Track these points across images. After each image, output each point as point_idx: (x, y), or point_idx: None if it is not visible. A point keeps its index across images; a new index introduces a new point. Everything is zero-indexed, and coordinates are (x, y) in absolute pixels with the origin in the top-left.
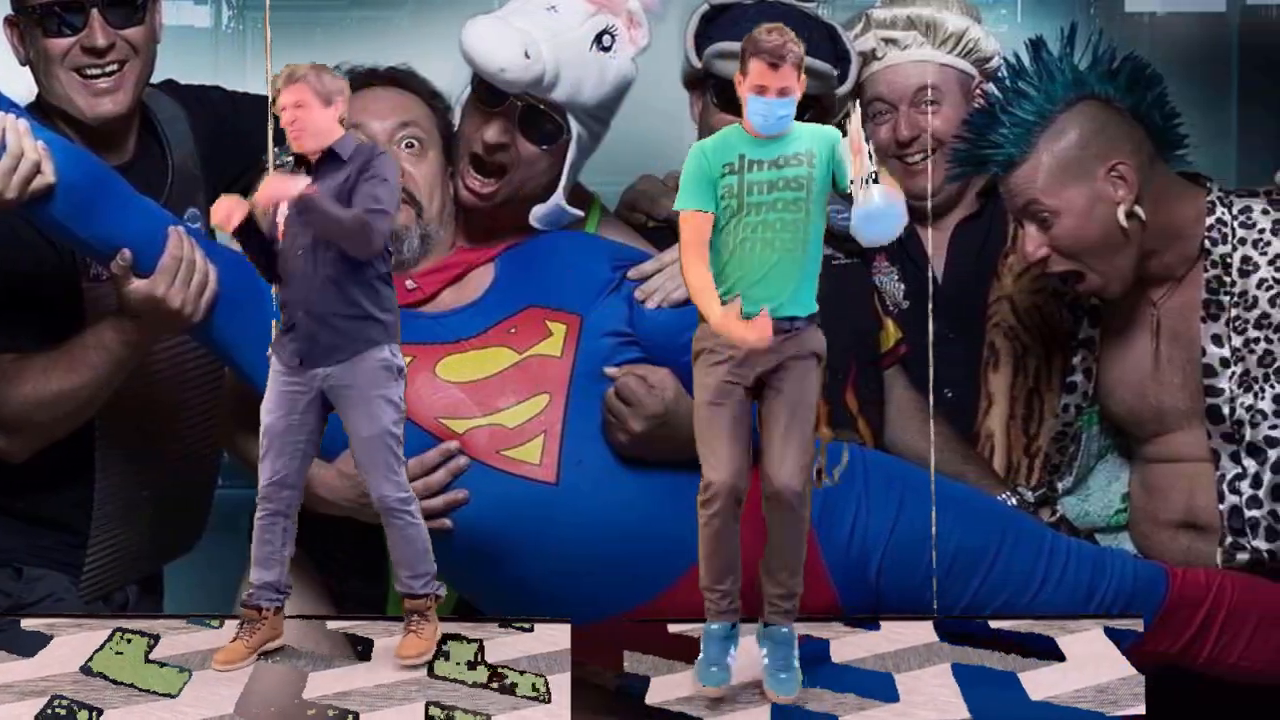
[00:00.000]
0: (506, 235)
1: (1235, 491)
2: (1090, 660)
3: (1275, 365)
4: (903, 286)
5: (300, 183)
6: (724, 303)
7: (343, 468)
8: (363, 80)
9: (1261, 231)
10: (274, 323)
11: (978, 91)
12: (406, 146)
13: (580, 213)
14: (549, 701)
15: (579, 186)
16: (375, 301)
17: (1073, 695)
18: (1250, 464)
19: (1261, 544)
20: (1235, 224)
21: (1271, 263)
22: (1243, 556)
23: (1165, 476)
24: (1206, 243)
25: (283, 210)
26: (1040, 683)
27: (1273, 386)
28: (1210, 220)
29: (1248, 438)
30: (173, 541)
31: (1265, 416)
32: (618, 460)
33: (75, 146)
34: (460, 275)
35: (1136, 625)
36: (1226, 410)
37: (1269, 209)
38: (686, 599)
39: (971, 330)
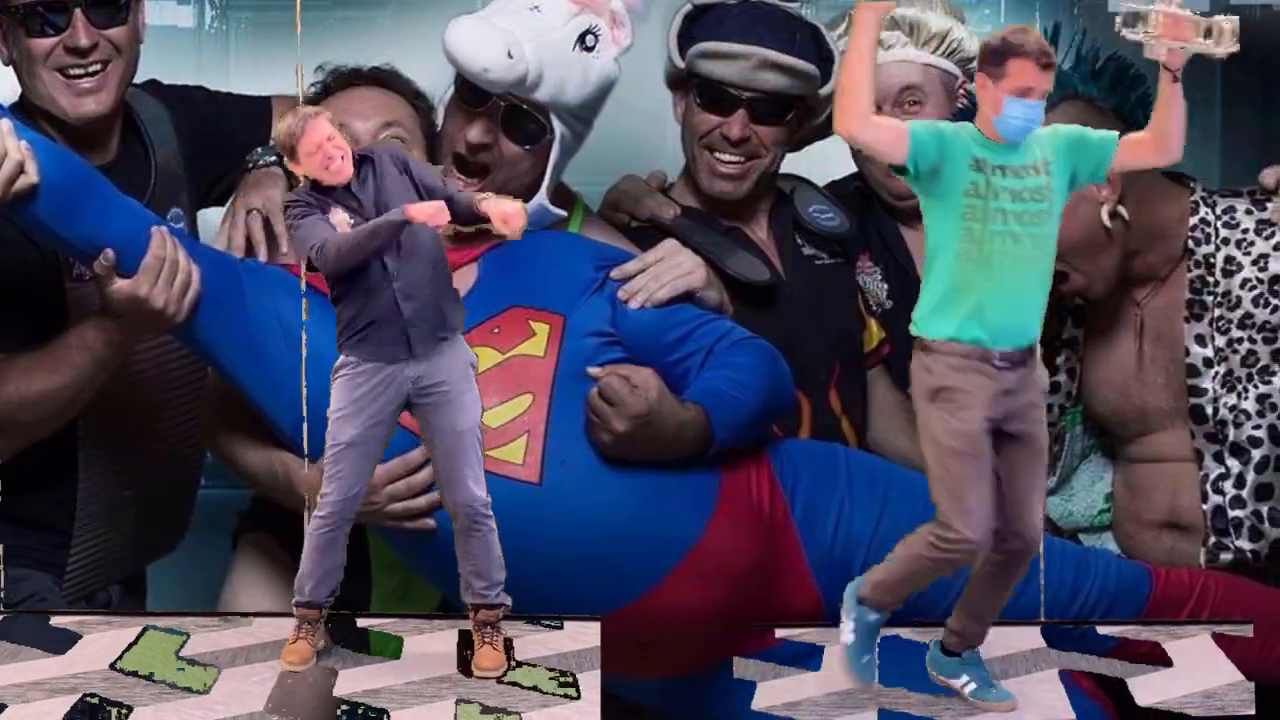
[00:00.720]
0: (490, 235)
1: (1219, 491)
2: (1198, 667)
3: (1258, 365)
4: (886, 286)
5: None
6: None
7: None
8: (346, 80)
9: (1245, 232)
10: (352, 340)
11: (961, 91)
12: None
13: (563, 213)
14: (579, 699)
15: (562, 186)
16: (460, 312)
17: (1180, 700)
18: (1234, 464)
19: (1245, 544)
20: (1219, 224)
21: (1255, 263)
22: (1226, 556)
23: (1149, 476)
24: (1190, 243)
25: (344, 220)
26: (1148, 688)
27: (1256, 386)
28: (1194, 220)
29: (1231, 438)
30: (156, 541)
31: (1249, 416)
32: (601, 460)
33: (58, 147)
34: None
35: (1246, 631)
36: (1210, 410)
37: (1252, 209)
38: (671, 599)
39: None
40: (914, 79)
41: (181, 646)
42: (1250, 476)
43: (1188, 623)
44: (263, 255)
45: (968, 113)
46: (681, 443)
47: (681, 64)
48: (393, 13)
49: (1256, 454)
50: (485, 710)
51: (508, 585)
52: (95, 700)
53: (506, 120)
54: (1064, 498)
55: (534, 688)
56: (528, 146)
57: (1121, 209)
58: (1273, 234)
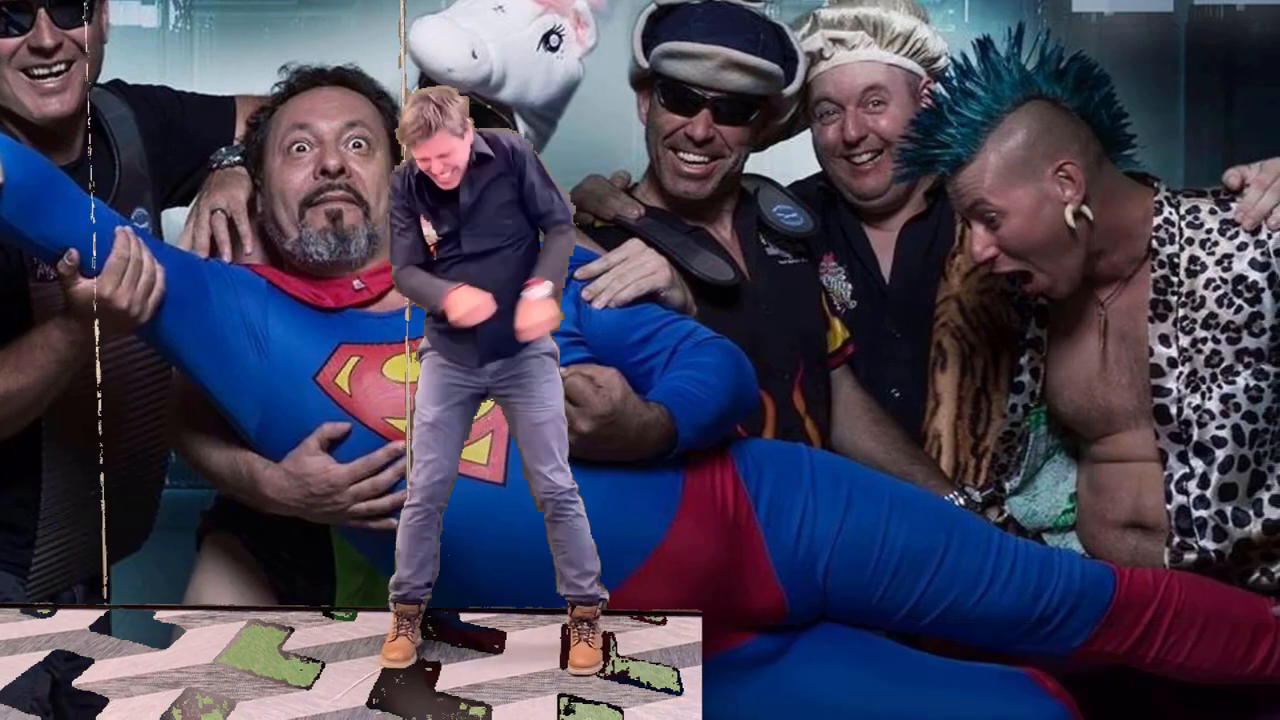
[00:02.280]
0: None
1: (1183, 491)
2: None
3: (1222, 365)
4: (850, 286)
5: (545, 292)
6: None
7: (290, 468)
8: (310, 80)
9: (1209, 232)
10: (431, 321)
11: (925, 91)
12: (354, 146)
13: None
14: (680, 694)
15: None
16: None
17: None
18: (1198, 464)
19: (1209, 544)
20: (1183, 224)
21: (1219, 263)
22: (1190, 556)
23: (1113, 476)
24: (1154, 243)
25: (431, 234)
26: None
27: (1220, 387)
28: (1158, 220)
29: (1195, 438)
30: (120, 541)
31: (1213, 416)
32: None
33: (22, 146)
34: None
35: None
36: (1174, 410)
37: (1216, 209)
38: (633, 598)
39: (919, 330)
40: (878, 79)
41: (284, 641)
42: (1214, 477)
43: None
44: (227, 255)
45: (933, 112)
46: (646, 442)
47: (646, 64)
48: (357, 12)
49: (1220, 454)
50: (588, 704)
51: (473, 583)
52: (199, 694)
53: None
54: (1028, 498)
55: (637, 682)
56: None
57: (1085, 209)
58: (1236, 234)
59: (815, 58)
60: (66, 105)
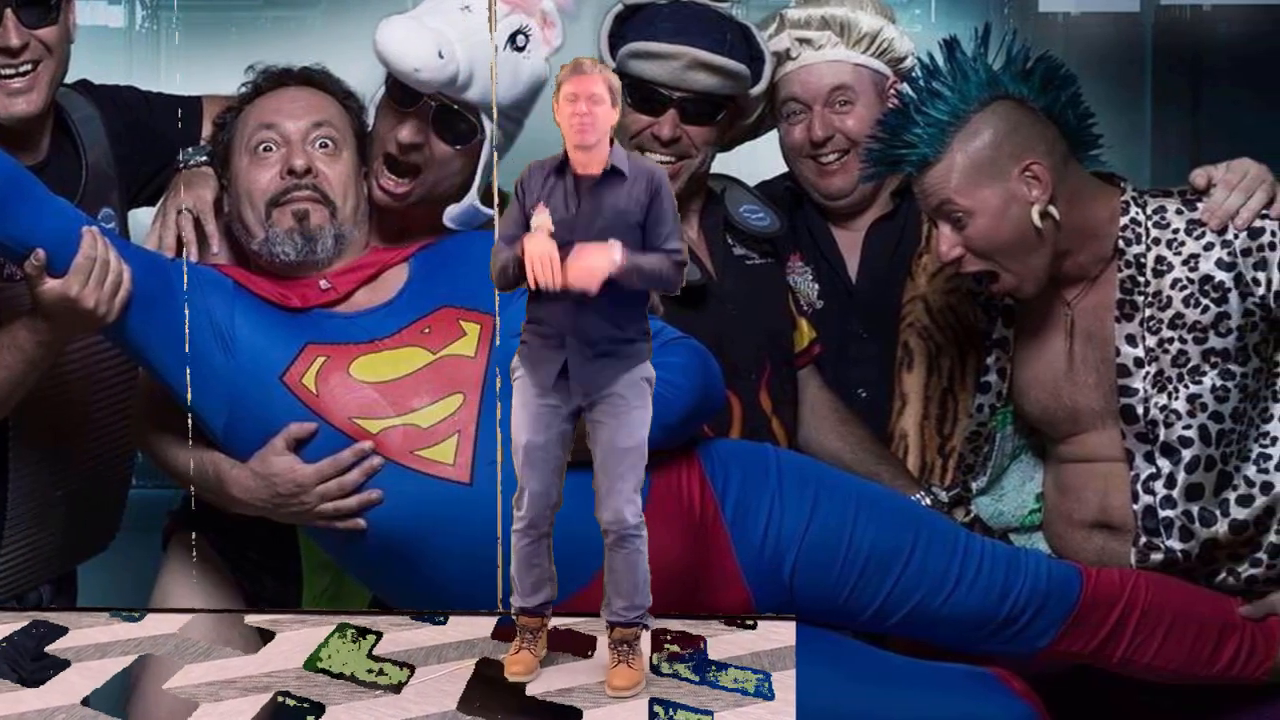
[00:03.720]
0: (420, 235)
1: (1149, 491)
2: None
3: (1189, 365)
4: (817, 286)
5: (614, 251)
6: None
7: (256, 468)
8: (276, 80)
9: (1175, 232)
10: (525, 336)
11: (892, 91)
12: (320, 146)
13: (494, 212)
14: (772, 699)
15: (492, 186)
16: (641, 324)
17: None
18: (1164, 464)
19: (1175, 544)
20: (1149, 224)
21: (1185, 263)
22: (1157, 557)
23: (1079, 476)
24: (1120, 243)
25: (547, 223)
26: None
27: (1187, 387)
28: (1124, 220)
29: (1162, 438)
30: (86, 541)
31: (1179, 416)
32: None
33: None
34: (374, 275)
35: None
36: (1140, 410)
37: (1183, 209)
38: (599, 598)
39: (885, 330)
40: (845, 79)
41: (374, 645)
42: (1181, 477)
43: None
44: (193, 255)
45: (899, 112)
46: None
47: (612, 64)
48: (323, 12)
49: (1187, 454)
50: (678, 709)
51: (439, 583)
52: (289, 698)
53: (437, 120)
54: (994, 498)
55: (729, 687)
56: (459, 146)
57: (1052, 209)
58: (1203, 234)
59: (782, 58)
60: (33, 105)
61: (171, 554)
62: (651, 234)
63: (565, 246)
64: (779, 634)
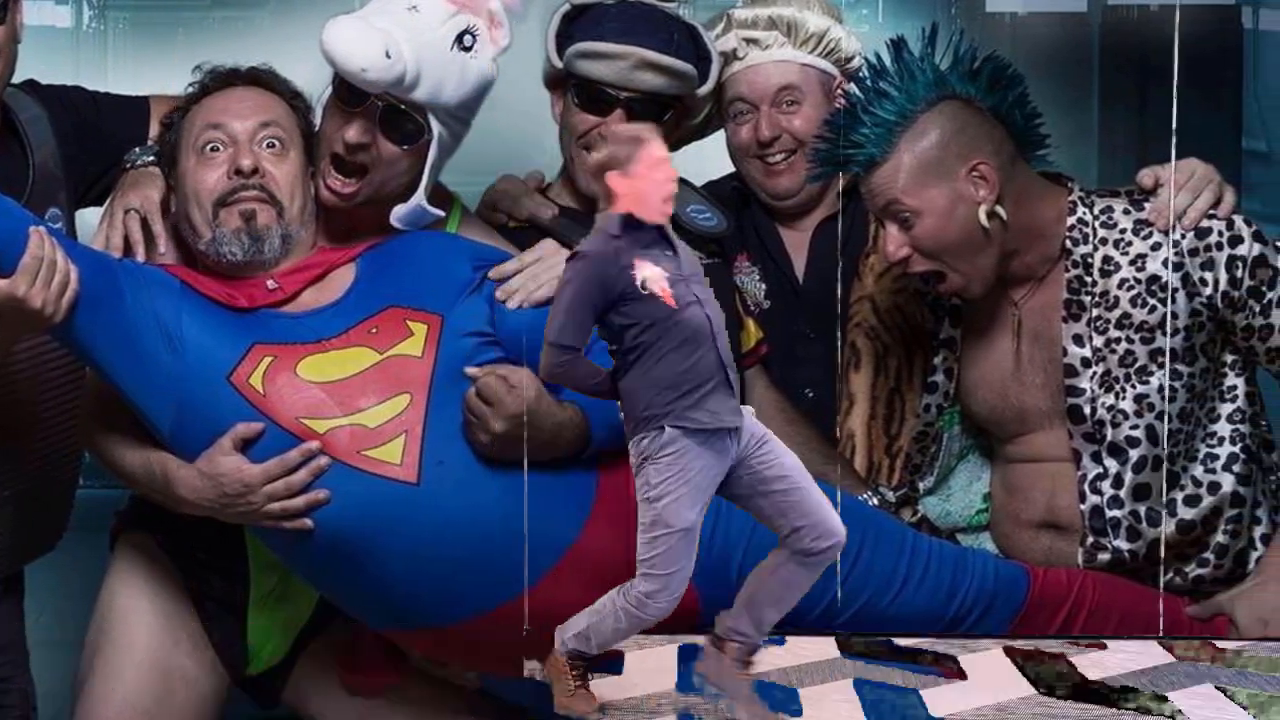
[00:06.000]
0: (368, 235)
1: (1096, 491)
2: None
3: (1136, 365)
4: (764, 286)
5: None
6: None
7: (204, 468)
8: (224, 80)
9: (1123, 231)
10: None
11: (839, 91)
12: (268, 146)
13: (441, 213)
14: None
15: (440, 186)
16: None
17: (974, 713)
18: (1111, 464)
19: (1122, 544)
20: (1096, 224)
21: (1133, 263)
22: (1104, 556)
23: (1027, 476)
24: (1068, 243)
25: (659, 274)
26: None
27: (1134, 386)
28: (1071, 220)
29: (1109, 438)
30: (34, 541)
31: (1126, 416)
32: (479, 460)
33: None
34: (321, 275)
35: None
36: (1088, 410)
37: (1130, 209)
38: (548, 598)
39: (832, 330)
40: (791, 79)
41: None
42: (1128, 477)
43: (983, 636)
44: (140, 255)
45: (847, 112)
46: (560, 442)
47: (559, 64)
48: (271, 12)
49: (1134, 454)
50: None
51: (387, 584)
52: None
53: (384, 120)
54: (941, 498)
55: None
56: (405, 146)
57: (999, 209)
58: (1150, 234)
59: (729, 58)
60: None
61: (119, 554)
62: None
63: (685, 289)
64: (805, 649)
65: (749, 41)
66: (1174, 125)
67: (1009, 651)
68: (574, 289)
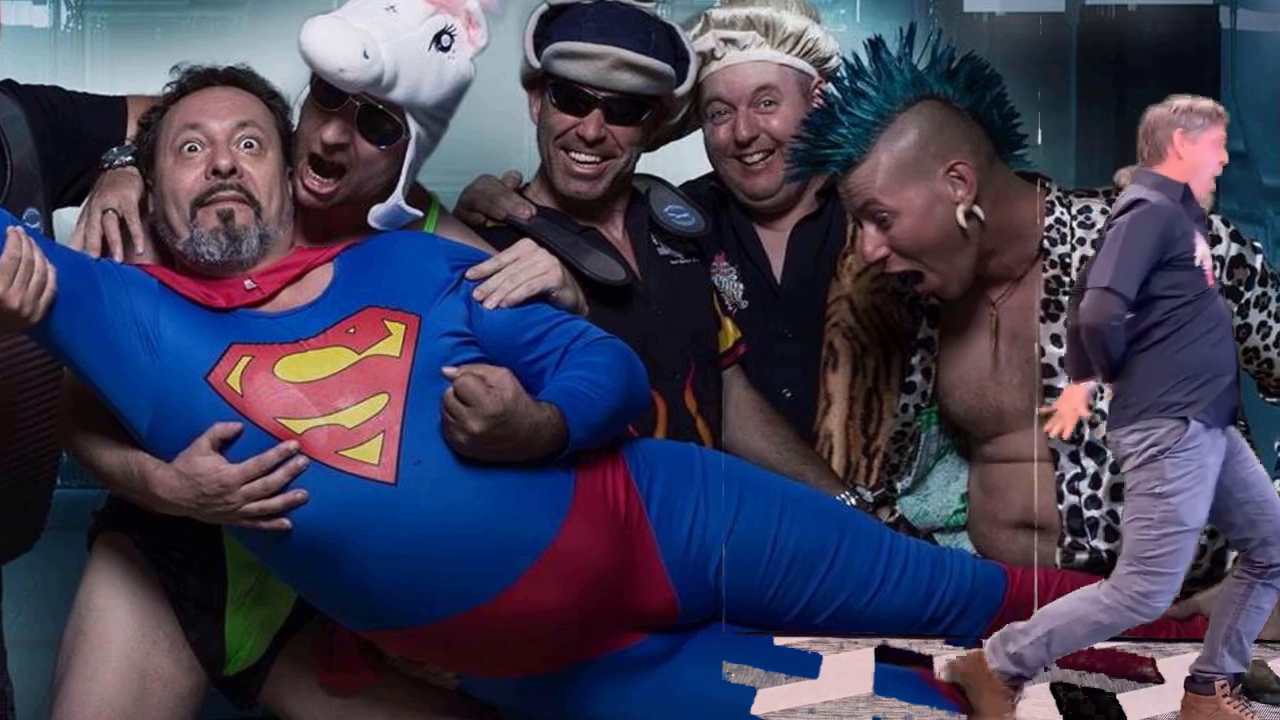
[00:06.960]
0: (345, 235)
1: (1074, 491)
2: None
3: None
4: (742, 286)
5: None
6: None
7: (181, 468)
8: (201, 80)
9: (1101, 231)
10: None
11: (816, 91)
12: (245, 146)
13: (419, 213)
14: None
15: (417, 186)
16: None
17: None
18: (1089, 464)
19: (1100, 544)
20: (1074, 224)
21: None
22: (1082, 556)
23: (1004, 476)
24: (1045, 243)
25: (1207, 252)
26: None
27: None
28: (1049, 220)
29: (1087, 438)
30: (11, 540)
31: (1104, 416)
32: (456, 460)
33: None
34: (299, 275)
35: None
36: None
37: (1108, 209)
38: (526, 599)
39: (810, 330)
40: (769, 79)
41: None
42: (1106, 477)
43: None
44: (118, 255)
45: (824, 112)
46: (537, 442)
47: (537, 64)
48: (249, 12)
49: (1112, 454)
50: None
51: (365, 584)
52: None
53: (362, 120)
54: (919, 498)
55: None
56: (383, 146)
57: (977, 209)
58: None
59: (707, 58)
60: None
61: (96, 554)
62: None
63: None
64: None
65: (727, 41)
66: None
67: None
68: (1135, 237)
